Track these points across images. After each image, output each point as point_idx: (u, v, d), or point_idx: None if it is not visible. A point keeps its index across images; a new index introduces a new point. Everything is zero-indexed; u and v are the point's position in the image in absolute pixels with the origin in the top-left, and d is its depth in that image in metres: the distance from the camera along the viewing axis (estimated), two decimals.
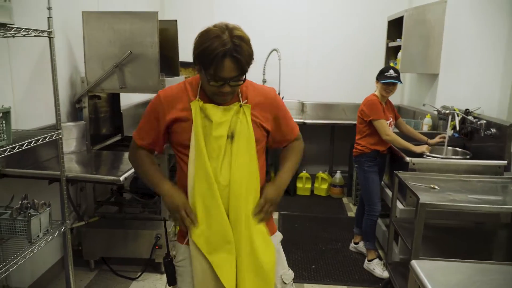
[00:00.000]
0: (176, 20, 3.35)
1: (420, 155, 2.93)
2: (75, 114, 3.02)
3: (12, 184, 2.35)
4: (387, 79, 2.99)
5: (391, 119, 3.13)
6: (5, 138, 1.73)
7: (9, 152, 1.74)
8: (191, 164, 1.52)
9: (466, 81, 3.39)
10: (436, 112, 3.54)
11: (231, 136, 1.52)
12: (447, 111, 3.24)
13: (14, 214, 1.95)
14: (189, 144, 1.51)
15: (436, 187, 2.43)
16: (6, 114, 1.72)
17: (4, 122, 1.71)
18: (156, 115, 1.56)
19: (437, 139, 3.16)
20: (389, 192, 3.21)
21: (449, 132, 3.15)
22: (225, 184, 1.51)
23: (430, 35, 3.88)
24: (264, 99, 1.62)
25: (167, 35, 3.29)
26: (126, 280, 2.97)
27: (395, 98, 5.13)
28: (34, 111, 2.60)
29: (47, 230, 2.10)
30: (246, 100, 1.56)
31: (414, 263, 1.38)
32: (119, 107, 3.52)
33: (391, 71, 3.01)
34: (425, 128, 3.97)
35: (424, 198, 2.20)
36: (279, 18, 5.07)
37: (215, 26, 1.43)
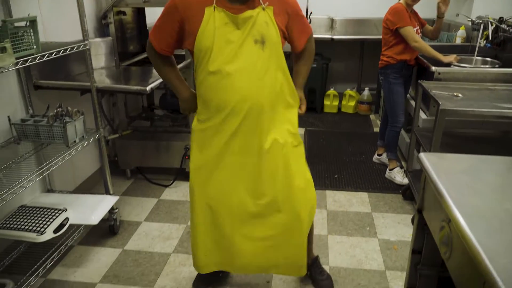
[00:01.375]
0: None
1: (448, 65, 2.86)
2: (102, 30, 3.09)
3: (46, 95, 2.51)
4: None
5: (418, 27, 3.03)
6: (34, 47, 1.83)
7: (39, 60, 1.85)
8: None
9: None
10: (470, 23, 3.38)
11: (261, 41, 1.55)
12: (480, 21, 3.09)
13: (50, 120, 2.11)
14: (208, 48, 1.54)
15: (460, 95, 2.41)
16: (33, 22, 1.80)
17: (31, 30, 1.80)
18: (170, 18, 1.59)
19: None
20: (413, 104, 3.20)
21: (482, 42, 3.03)
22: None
23: None
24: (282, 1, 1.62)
25: None
26: (159, 187, 3.20)
27: (430, 11, 4.88)
28: (61, 26, 2.67)
29: (83, 136, 2.27)
30: (267, 3, 1.56)
31: (422, 155, 1.43)
32: (145, 24, 3.55)
33: None
34: (458, 41, 3.82)
35: (444, 104, 2.20)
36: None
37: None
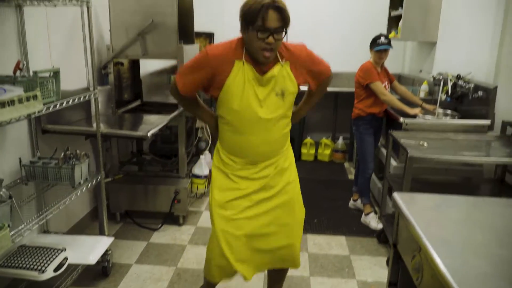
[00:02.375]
0: None
1: (414, 116, 3.21)
2: (101, 79, 3.34)
3: (50, 139, 2.69)
4: (378, 46, 3.25)
5: (387, 83, 3.40)
6: (54, 95, 2.05)
7: (59, 107, 2.06)
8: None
9: (460, 48, 3.64)
10: (432, 79, 3.80)
11: (281, 94, 1.84)
12: (441, 77, 3.50)
13: (61, 162, 2.29)
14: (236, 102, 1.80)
15: (425, 143, 2.72)
16: (56, 73, 2.03)
17: (54, 80, 2.02)
18: (201, 70, 1.79)
19: (431, 107, 3.40)
20: (384, 151, 3.52)
21: (442, 96, 3.43)
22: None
23: (429, 4, 4.09)
24: (297, 57, 1.89)
25: (184, 6, 3.54)
26: (148, 231, 3.33)
27: (396, 67, 5.37)
28: (67, 76, 2.90)
29: (87, 178, 2.44)
30: (284, 59, 1.84)
31: (395, 194, 1.69)
32: (139, 74, 3.83)
33: (382, 38, 3.26)
34: (422, 94, 4.23)
35: (412, 152, 2.50)
36: None
37: None
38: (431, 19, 4.12)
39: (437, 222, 1.46)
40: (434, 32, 4.14)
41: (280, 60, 1.83)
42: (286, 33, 1.75)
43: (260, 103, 1.81)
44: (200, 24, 5.30)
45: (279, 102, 1.85)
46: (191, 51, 3.51)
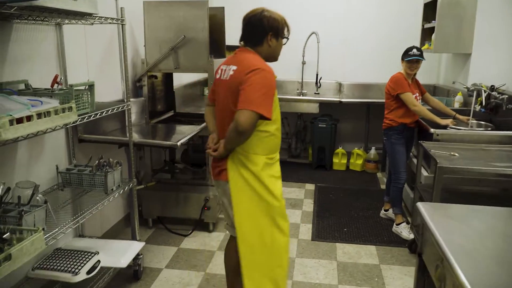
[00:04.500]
0: (223, 7, 3.71)
1: (445, 127, 3.15)
2: (136, 91, 3.48)
3: (86, 148, 2.83)
4: (410, 56, 3.23)
5: (417, 94, 3.36)
6: (89, 107, 2.17)
7: (93, 118, 2.18)
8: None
9: (496, 60, 3.55)
10: (466, 90, 3.72)
11: None
12: (475, 88, 3.43)
13: (94, 170, 2.40)
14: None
15: (456, 154, 2.67)
16: (91, 86, 2.15)
17: (89, 93, 2.15)
18: (274, 90, 1.97)
19: (465, 118, 3.32)
20: (416, 162, 3.46)
21: (477, 107, 3.35)
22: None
23: (463, 16, 4.02)
24: None
25: (215, 21, 3.65)
26: (179, 237, 3.41)
27: (430, 78, 5.29)
28: (103, 89, 3.06)
29: (119, 185, 2.55)
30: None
31: (419, 204, 1.68)
32: (172, 86, 3.96)
33: (414, 50, 3.25)
34: (456, 105, 4.15)
35: (442, 162, 2.46)
36: (316, 2, 5.31)
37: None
38: (465, 31, 4.04)
39: (461, 232, 1.45)
40: (469, 43, 4.05)
41: None
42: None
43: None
44: (231, 38, 5.44)
45: None
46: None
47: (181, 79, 4.34)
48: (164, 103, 3.83)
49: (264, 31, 2.01)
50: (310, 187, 4.63)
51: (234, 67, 1.99)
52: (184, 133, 3.01)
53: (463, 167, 2.44)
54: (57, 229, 2.03)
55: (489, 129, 3.10)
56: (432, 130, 2.97)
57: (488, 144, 2.88)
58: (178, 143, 2.61)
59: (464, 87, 3.70)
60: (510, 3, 3.36)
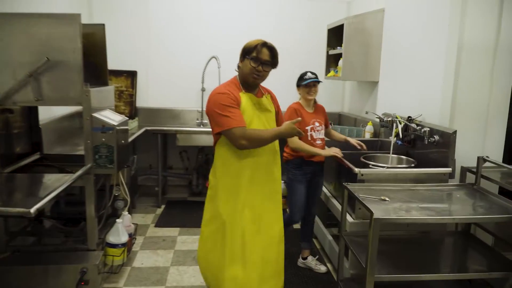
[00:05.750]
0: (103, 24, 3.00)
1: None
2: None
3: None
4: (306, 80, 2.94)
5: (317, 124, 3.01)
6: None
7: None
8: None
9: (406, 89, 3.39)
10: (378, 120, 3.49)
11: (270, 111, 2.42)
12: (390, 119, 3.20)
13: None
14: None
15: (387, 198, 2.34)
16: None
17: None
18: (235, 103, 2.18)
19: (354, 141, 3.08)
20: (336, 203, 3.09)
21: (393, 139, 3.10)
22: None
23: (369, 43, 3.87)
24: (274, 99, 2.55)
25: (93, 41, 2.94)
26: None
27: (335, 106, 5.11)
28: None
29: None
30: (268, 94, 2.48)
31: None
32: (37, 121, 3.09)
33: (309, 73, 2.97)
34: (367, 136, 3.94)
35: (377, 213, 2.08)
36: (218, 24, 4.86)
37: None
38: (372, 58, 3.89)
39: None
40: (376, 71, 3.90)
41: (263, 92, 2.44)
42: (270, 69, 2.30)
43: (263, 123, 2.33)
44: (121, 62, 4.72)
45: (272, 117, 2.44)
46: (103, 95, 2.89)
47: (51, 111, 3.47)
48: (25, 143, 2.95)
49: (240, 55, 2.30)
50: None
51: None
52: (49, 186, 2.24)
53: (401, 217, 2.09)
54: None
55: (413, 165, 2.84)
56: (356, 170, 2.61)
57: (415, 184, 2.61)
58: (32, 210, 1.82)
59: (377, 117, 3.46)
60: (416, 29, 3.22)
